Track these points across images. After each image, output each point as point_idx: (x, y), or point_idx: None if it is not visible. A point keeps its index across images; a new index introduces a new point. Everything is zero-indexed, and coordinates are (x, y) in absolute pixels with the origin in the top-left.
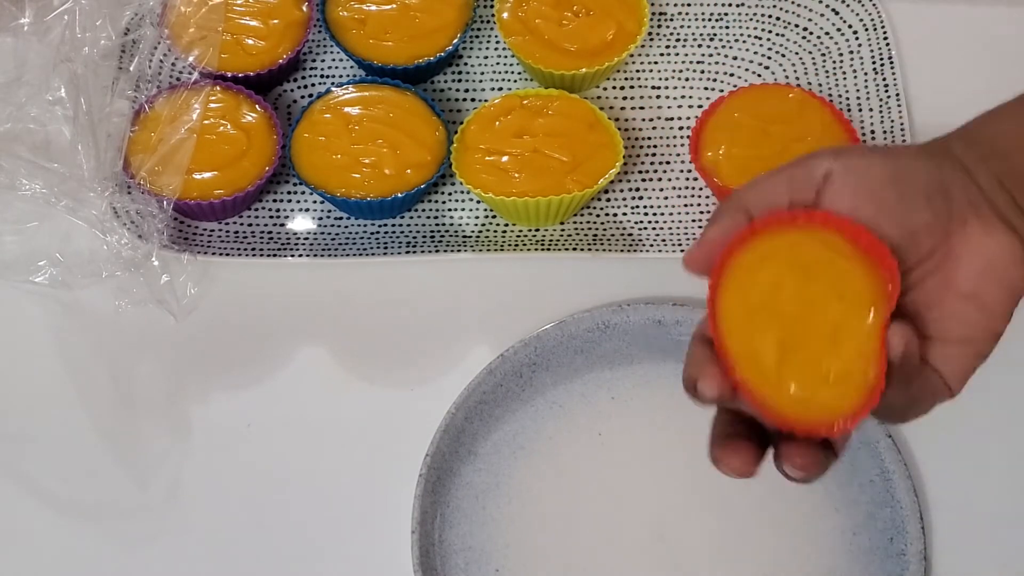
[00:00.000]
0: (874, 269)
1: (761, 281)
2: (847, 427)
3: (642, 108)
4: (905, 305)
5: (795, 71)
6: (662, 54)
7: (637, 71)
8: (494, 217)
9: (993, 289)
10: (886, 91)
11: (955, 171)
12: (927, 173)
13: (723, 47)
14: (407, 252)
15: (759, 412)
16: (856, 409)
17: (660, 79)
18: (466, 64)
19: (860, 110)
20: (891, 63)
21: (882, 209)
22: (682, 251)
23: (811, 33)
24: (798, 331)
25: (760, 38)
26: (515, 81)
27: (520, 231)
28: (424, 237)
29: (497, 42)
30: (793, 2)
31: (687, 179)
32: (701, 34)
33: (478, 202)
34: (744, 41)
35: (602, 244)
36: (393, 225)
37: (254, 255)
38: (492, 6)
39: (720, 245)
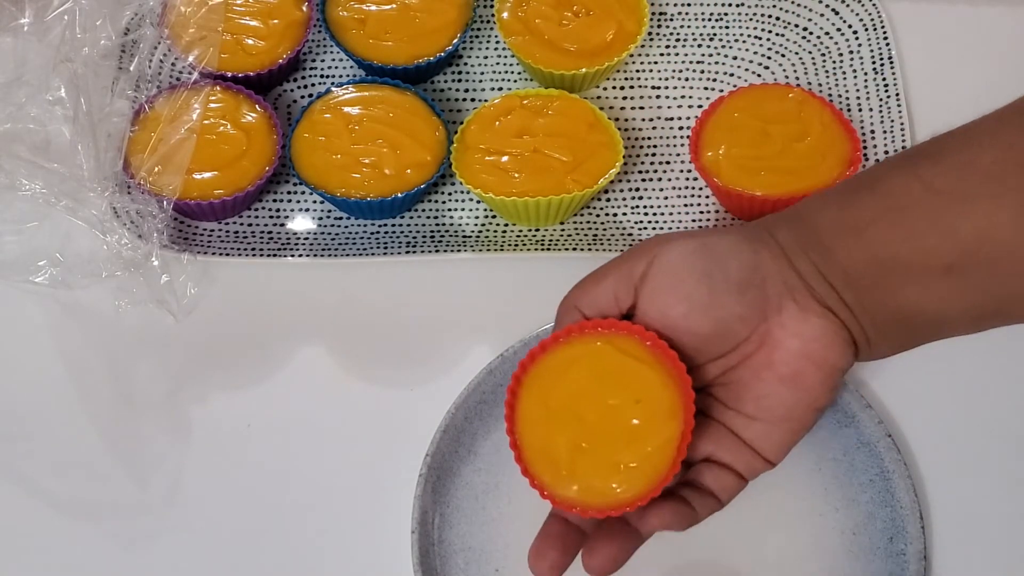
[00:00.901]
0: (672, 373)
1: (560, 385)
2: (629, 510)
3: (642, 108)
4: (726, 386)
5: (795, 71)
6: (662, 54)
7: (637, 71)
8: (494, 217)
9: (811, 370)
10: (886, 91)
11: (773, 257)
12: (741, 263)
13: (723, 47)
14: (407, 252)
15: (551, 501)
16: (641, 496)
17: (660, 79)
18: (466, 64)
19: (860, 110)
20: (891, 63)
21: (693, 307)
22: None
23: (811, 33)
24: (593, 430)
25: (760, 38)
26: (515, 81)
27: (520, 231)
28: (424, 237)
29: (497, 42)
30: (793, 2)
31: (687, 179)
32: (701, 34)
33: (478, 202)
34: (744, 41)
35: (602, 244)
36: (393, 225)
37: (254, 255)
38: (492, 6)
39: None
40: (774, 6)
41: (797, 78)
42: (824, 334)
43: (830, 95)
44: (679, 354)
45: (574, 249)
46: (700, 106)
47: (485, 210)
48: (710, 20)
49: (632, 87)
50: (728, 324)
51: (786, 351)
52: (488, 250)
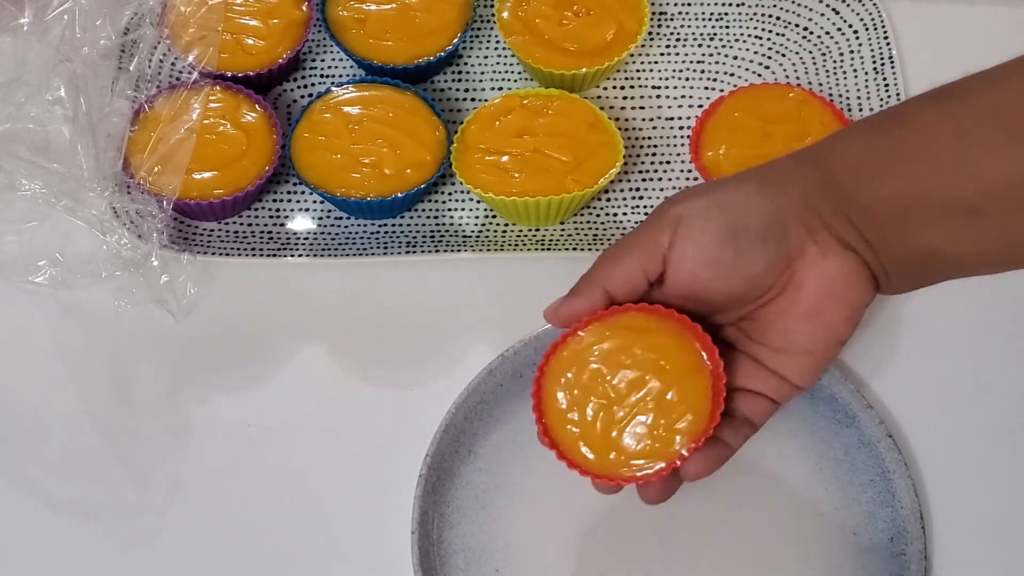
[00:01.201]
0: (693, 338)
1: (581, 374)
2: (665, 472)
3: (642, 108)
4: (753, 320)
5: (795, 71)
6: (662, 54)
7: (637, 71)
8: (494, 217)
9: (832, 307)
10: (886, 91)
11: (792, 201)
12: (762, 217)
13: (723, 47)
14: (407, 252)
15: (592, 482)
16: (677, 454)
17: (660, 79)
18: (466, 64)
19: (860, 110)
20: (891, 63)
21: (721, 269)
22: None
23: (811, 33)
24: (621, 404)
25: (760, 38)
26: (515, 81)
27: (520, 231)
28: (424, 237)
29: (497, 42)
30: (793, 2)
31: (687, 179)
32: (701, 34)
33: (478, 202)
34: (744, 41)
35: (602, 244)
36: (393, 225)
37: (254, 255)
38: (492, 6)
39: (577, 318)
40: (774, 6)
41: (797, 78)
42: (843, 272)
43: (830, 95)
44: (708, 310)
45: (574, 249)
46: (700, 106)
47: (485, 210)
48: (710, 20)
49: (632, 87)
50: (755, 279)
51: (808, 291)
52: (488, 250)
